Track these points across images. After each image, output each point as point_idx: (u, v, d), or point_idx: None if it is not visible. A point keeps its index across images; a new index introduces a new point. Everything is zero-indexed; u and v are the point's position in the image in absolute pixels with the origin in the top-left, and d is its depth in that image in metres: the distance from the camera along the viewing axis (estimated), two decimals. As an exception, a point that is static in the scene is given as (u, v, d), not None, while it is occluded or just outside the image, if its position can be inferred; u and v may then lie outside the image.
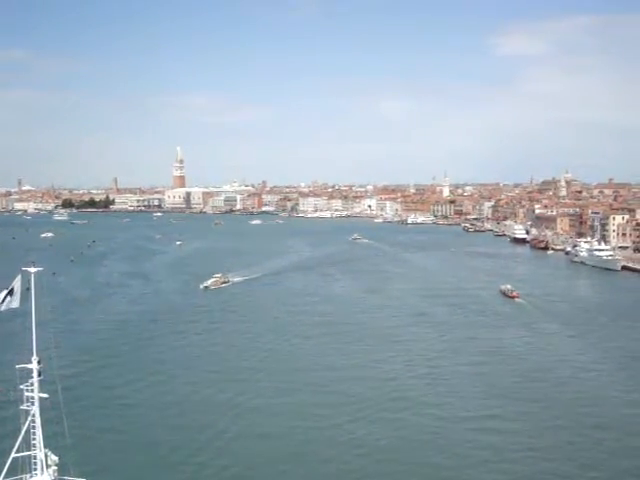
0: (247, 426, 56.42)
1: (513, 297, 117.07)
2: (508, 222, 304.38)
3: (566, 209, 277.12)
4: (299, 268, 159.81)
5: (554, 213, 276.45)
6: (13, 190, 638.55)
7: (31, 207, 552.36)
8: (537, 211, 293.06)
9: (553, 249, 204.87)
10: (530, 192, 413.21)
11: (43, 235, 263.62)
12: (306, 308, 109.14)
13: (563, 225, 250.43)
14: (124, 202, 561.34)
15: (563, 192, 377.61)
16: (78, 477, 28.56)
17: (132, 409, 60.76)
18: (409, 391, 65.55)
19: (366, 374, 71.03)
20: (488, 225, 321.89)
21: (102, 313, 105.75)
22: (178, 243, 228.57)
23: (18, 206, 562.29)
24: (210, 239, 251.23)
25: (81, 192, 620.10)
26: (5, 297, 28.00)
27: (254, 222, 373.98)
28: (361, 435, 54.42)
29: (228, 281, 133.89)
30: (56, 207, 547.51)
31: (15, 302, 27.98)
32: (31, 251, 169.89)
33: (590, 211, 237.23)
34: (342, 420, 57.47)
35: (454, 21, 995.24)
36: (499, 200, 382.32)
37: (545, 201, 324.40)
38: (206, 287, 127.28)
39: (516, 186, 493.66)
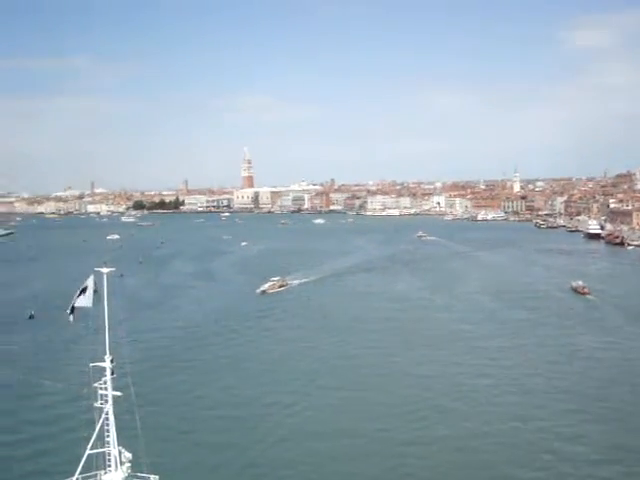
0: (305, 426, 55.48)
1: (584, 294, 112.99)
2: (581, 217, 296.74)
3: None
4: (362, 268, 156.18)
5: (630, 207, 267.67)
6: (87, 192, 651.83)
7: (104, 209, 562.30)
8: (612, 205, 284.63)
9: (630, 244, 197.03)
10: (604, 186, 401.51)
11: (109, 237, 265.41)
12: (366, 311, 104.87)
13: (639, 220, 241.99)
14: (194, 203, 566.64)
15: (639, 185, 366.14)
16: (151, 474, 29.20)
17: (202, 408, 60.24)
18: (477, 394, 62.24)
19: (433, 376, 68.07)
20: (561, 221, 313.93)
21: (166, 315, 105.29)
22: (243, 244, 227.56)
23: (91, 208, 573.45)
24: (275, 239, 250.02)
25: (152, 193, 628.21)
26: (79, 295, 28.65)
27: (317, 221, 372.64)
28: (427, 439, 52.12)
29: (286, 284, 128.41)
30: (127, 209, 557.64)
31: (88, 301, 28.67)
32: (101, 253, 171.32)
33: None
34: (407, 425, 54.99)
35: (520, 15, 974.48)
36: (572, 195, 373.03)
37: (620, 195, 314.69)
38: (263, 291, 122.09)
39: (589, 180, 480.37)
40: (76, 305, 28.82)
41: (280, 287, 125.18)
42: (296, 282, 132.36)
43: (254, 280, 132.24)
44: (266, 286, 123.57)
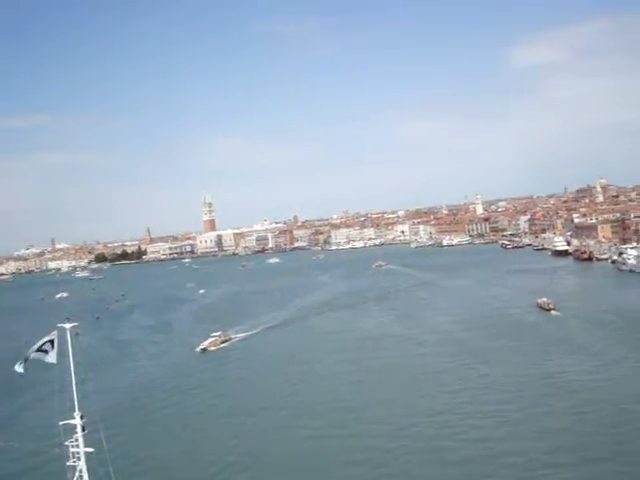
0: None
1: (549, 309, 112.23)
2: (547, 235, 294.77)
3: (606, 215, 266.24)
4: (322, 308, 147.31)
5: (594, 221, 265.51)
6: (48, 249, 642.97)
7: (65, 265, 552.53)
8: (576, 220, 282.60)
9: (598, 259, 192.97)
10: (565, 202, 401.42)
11: (58, 296, 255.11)
12: (321, 357, 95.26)
13: (605, 232, 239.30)
14: (156, 251, 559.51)
15: (600, 198, 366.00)
16: None
17: (173, 461, 58.08)
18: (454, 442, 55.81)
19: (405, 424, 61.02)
20: (526, 240, 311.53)
21: (120, 373, 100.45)
22: (201, 291, 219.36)
23: (52, 265, 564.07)
24: (234, 284, 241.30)
25: (115, 245, 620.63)
26: (41, 348, 27.16)
27: (272, 261, 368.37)
28: None
29: (229, 339, 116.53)
30: (90, 262, 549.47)
31: (52, 358, 27.39)
32: (59, 310, 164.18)
33: (633, 215, 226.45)
34: None
35: (466, 37, 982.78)
36: (535, 213, 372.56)
37: (583, 209, 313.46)
38: (203, 350, 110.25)
39: (550, 197, 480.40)
40: (44, 360, 27.16)
41: (222, 343, 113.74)
42: (243, 334, 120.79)
43: (205, 332, 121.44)
44: (206, 343, 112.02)
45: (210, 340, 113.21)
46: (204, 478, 53.79)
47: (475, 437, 55.92)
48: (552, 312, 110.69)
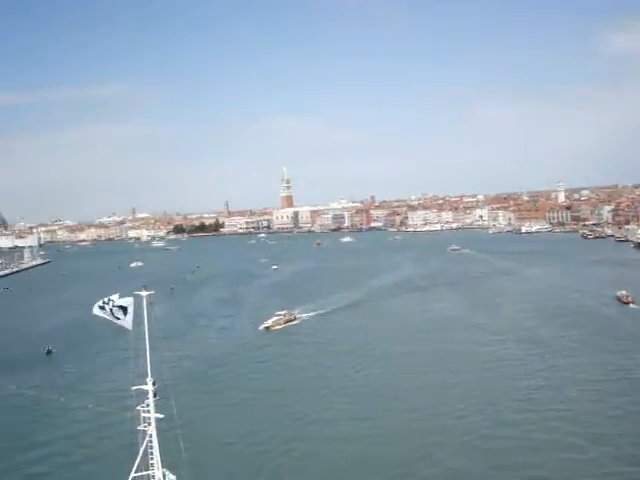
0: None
1: (627, 303, 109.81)
2: (631, 226, 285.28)
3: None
4: (386, 291, 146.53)
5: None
6: (129, 218, 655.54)
7: (144, 234, 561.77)
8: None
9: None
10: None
11: (133, 265, 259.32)
12: (382, 343, 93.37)
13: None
14: (233, 225, 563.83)
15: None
16: None
17: (242, 430, 60.09)
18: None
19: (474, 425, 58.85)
20: (609, 230, 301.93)
21: (191, 344, 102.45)
22: (274, 267, 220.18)
23: (131, 234, 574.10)
24: (308, 261, 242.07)
25: (194, 217, 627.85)
26: (119, 311, 27.51)
27: (345, 240, 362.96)
28: None
29: (294, 318, 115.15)
30: (168, 233, 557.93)
31: (128, 324, 27.74)
32: (136, 279, 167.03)
33: None
34: None
35: (556, 20, 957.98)
36: (619, 203, 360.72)
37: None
38: (267, 328, 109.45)
39: (636, 187, 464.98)
40: (121, 324, 27.70)
41: (286, 322, 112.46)
42: (310, 314, 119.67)
43: (272, 309, 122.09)
44: (270, 322, 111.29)
45: (274, 319, 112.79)
46: (264, 451, 54.55)
47: (542, 433, 54.09)
48: (630, 305, 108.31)
